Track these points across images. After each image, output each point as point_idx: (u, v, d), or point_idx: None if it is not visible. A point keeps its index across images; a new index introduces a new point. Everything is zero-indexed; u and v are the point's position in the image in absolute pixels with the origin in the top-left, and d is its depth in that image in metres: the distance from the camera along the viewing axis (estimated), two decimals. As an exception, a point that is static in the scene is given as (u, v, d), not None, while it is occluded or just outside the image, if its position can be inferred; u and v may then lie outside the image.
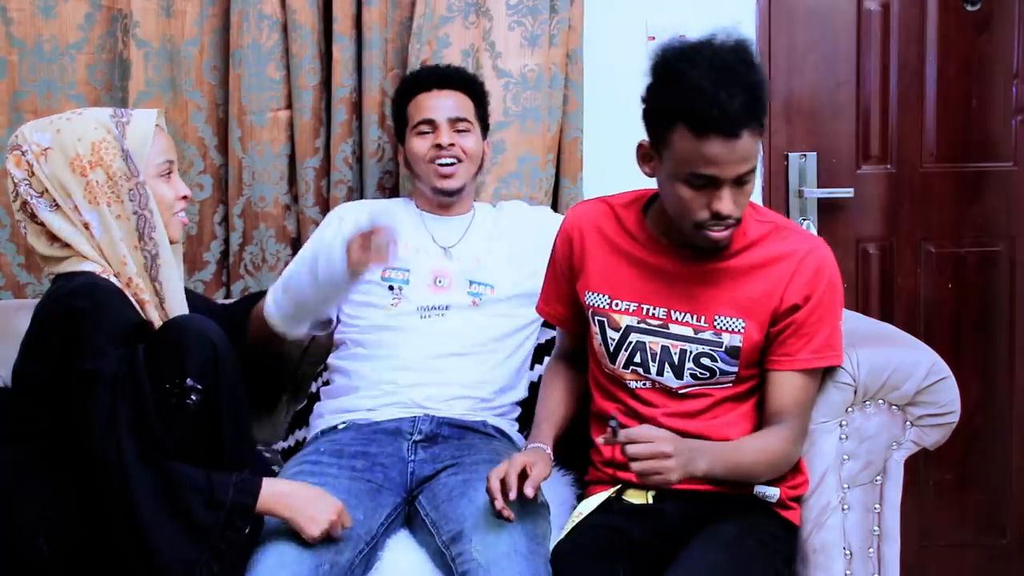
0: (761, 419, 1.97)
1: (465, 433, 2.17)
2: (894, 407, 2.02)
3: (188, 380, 1.77)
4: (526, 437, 2.19)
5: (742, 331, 1.91)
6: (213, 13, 2.61)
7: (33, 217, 1.93)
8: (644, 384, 1.99)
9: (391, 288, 2.29)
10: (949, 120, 2.90)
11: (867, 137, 2.90)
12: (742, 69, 1.77)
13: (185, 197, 2.01)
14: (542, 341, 2.43)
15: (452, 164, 2.33)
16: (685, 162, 1.79)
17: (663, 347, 1.95)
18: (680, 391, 1.97)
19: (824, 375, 1.99)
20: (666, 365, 1.96)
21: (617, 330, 1.99)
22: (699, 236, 1.86)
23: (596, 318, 2.01)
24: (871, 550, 2.02)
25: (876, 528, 2.03)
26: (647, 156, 1.89)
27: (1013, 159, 2.92)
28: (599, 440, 1.83)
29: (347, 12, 2.56)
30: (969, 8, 2.86)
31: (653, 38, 2.73)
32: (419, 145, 2.34)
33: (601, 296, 2.01)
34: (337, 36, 2.56)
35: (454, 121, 2.34)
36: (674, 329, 1.95)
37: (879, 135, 2.90)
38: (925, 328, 2.90)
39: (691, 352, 1.94)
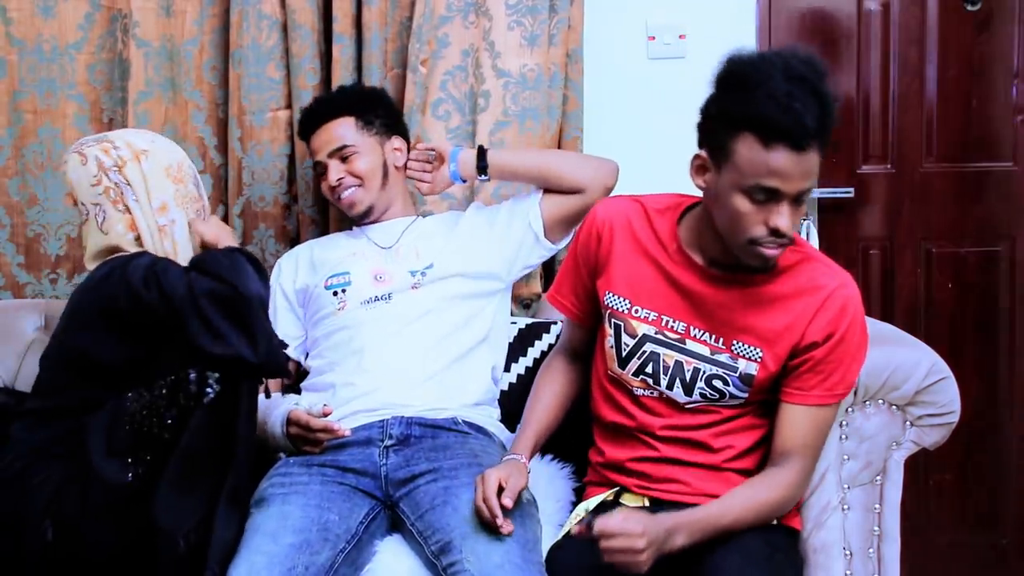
0: (766, 431, 1.96)
1: (438, 433, 2.14)
2: (894, 407, 2.02)
3: (208, 372, 1.84)
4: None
5: (759, 360, 1.89)
6: (213, 13, 2.61)
7: (116, 203, 2.04)
8: (651, 393, 1.97)
9: (335, 294, 2.30)
10: (949, 120, 2.90)
11: (867, 137, 2.90)
12: (816, 80, 1.73)
13: None
14: (523, 326, 2.43)
15: (351, 191, 2.34)
16: (749, 173, 1.75)
17: (677, 362, 1.93)
18: (686, 406, 1.95)
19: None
20: (677, 380, 1.94)
21: (633, 337, 1.96)
22: (751, 253, 1.82)
23: (613, 321, 1.98)
24: (871, 550, 2.02)
25: (876, 528, 2.03)
26: (703, 168, 1.84)
27: (1013, 159, 2.92)
28: (572, 530, 1.80)
29: (347, 12, 2.55)
30: (969, 8, 2.86)
31: (653, 38, 2.73)
32: (322, 184, 2.38)
33: (622, 300, 1.98)
34: (337, 36, 2.56)
35: (336, 152, 2.34)
36: (691, 346, 1.93)
37: (879, 135, 2.90)
38: (925, 328, 2.90)
39: (704, 372, 1.92)
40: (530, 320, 2.47)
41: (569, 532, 1.96)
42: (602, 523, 1.75)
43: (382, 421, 2.14)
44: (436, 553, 1.90)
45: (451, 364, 2.24)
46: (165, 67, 2.61)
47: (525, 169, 2.39)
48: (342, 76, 2.55)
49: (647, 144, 2.73)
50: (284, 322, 2.35)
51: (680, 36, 2.73)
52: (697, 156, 1.85)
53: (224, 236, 2.10)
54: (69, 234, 2.64)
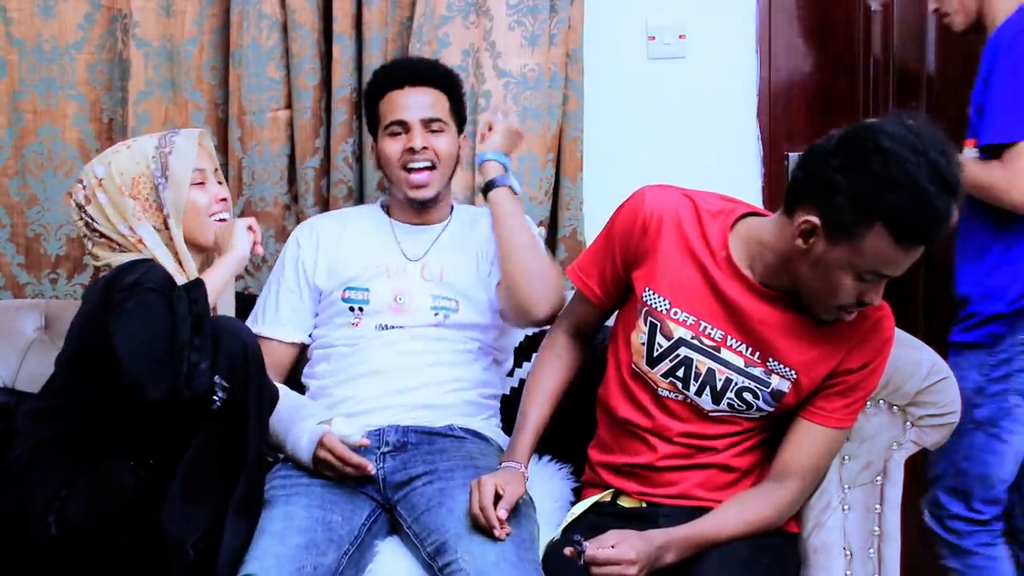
0: (769, 435, 1.96)
1: (434, 439, 2.12)
2: (894, 407, 2.02)
3: (216, 378, 1.81)
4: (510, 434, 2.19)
5: (793, 379, 1.89)
6: (213, 13, 2.61)
7: (94, 231, 2.05)
8: (676, 397, 1.95)
9: (351, 308, 2.22)
10: (949, 119, 2.89)
11: (867, 137, 2.90)
12: (952, 174, 1.70)
13: (224, 199, 2.10)
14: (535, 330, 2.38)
15: (425, 170, 2.21)
16: (871, 261, 1.73)
17: (709, 369, 1.91)
18: (710, 413, 1.94)
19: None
20: (707, 388, 1.92)
21: (668, 339, 1.92)
22: (830, 313, 1.82)
23: (649, 319, 1.93)
24: (871, 550, 2.02)
25: (876, 528, 2.03)
26: (810, 233, 1.76)
27: (1013, 159, 2.91)
28: (564, 551, 1.80)
29: (347, 12, 2.55)
30: (970, 8, 2.86)
31: (653, 38, 2.73)
32: (391, 147, 2.22)
33: (661, 299, 1.92)
34: (337, 36, 2.56)
35: (428, 122, 2.22)
36: (725, 355, 1.90)
37: (879, 135, 2.89)
38: (925, 328, 2.89)
39: (736, 383, 1.90)
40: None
41: (565, 530, 1.96)
42: (592, 552, 1.76)
43: (379, 429, 2.12)
44: (432, 554, 1.90)
45: (458, 391, 2.19)
46: (165, 67, 2.61)
47: (503, 244, 2.17)
48: (342, 76, 2.55)
49: (647, 144, 2.73)
50: (286, 301, 2.27)
51: (680, 36, 2.73)
52: (807, 221, 1.75)
53: (229, 244, 2.04)
54: (69, 234, 2.64)
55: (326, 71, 2.59)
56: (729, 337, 1.90)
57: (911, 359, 2.01)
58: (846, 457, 2.02)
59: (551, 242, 2.65)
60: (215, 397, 1.82)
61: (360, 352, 2.19)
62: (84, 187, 2.05)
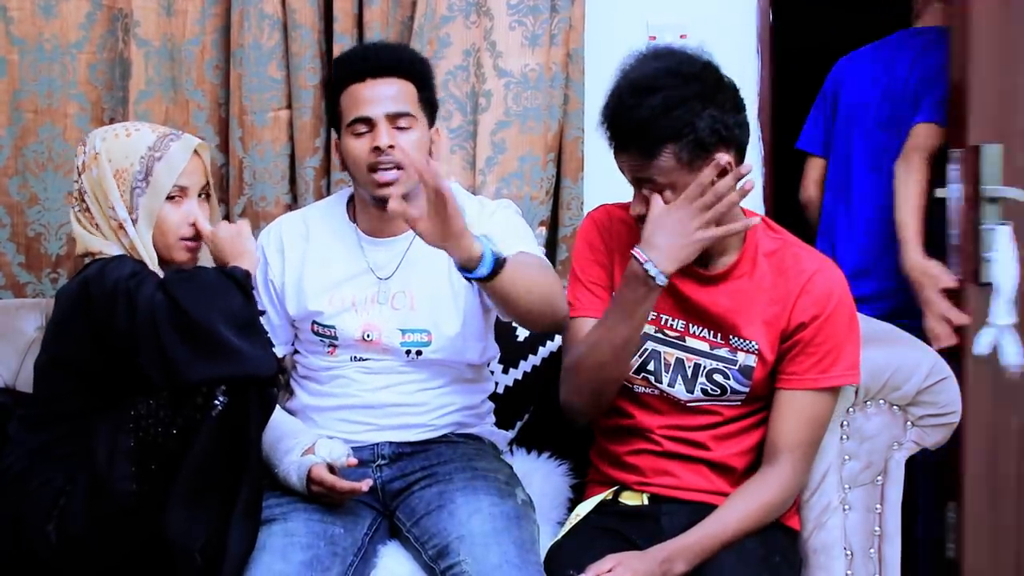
0: (763, 434, 1.96)
1: (429, 445, 2.10)
2: (895, 407, 2.02)
3: (216, 389, 1.78)
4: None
5: (756, 351, 1.91)
6: (214, 12, 2.61)
7: (82, 198, 1.99)
8: (651, 392, 1.97)
9: (322, 340, 2.12)
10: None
11: (869, 137, 2.90)
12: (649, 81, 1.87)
13: (193, 224, 1.96)
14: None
15: (392, 170, 2.02)
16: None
17: (678, 359, 1.94)
18: (688, 404, 1.96)
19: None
20: (678, 377, 1.94)
21: None
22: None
23: None
24: (872, 550, 2.02)
25: (877, 528, 2.03)
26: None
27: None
28: None
29: (348, 11, 2.56)
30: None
31: (654, 37, 2.73)
32: (356, 147, 2.04)
33: None
34: (338, 35, 2.56)
35: (394, 117, 2.03)
36: (690, 343, 1.94)
37: (880, 135, 2.90)
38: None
39: (704, 367, 1.93)
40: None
41: (568, 531, 1.97)
42: None
43: (373, 445, 2.10)
44: (433, 557, 1.90)
45: (447, 414, 2.15)
46: (166, 67, 2.61)
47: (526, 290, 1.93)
48: (343, 76, 2.55)
49: (648, 144, 2.73)
50: (264, 318, 2.11)
51: (680, 36, 2.73)
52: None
53: (234, 253, 1.93)
54: (69, 234, 2.64)
55: (327, 71, 2.59)
56: (691, 326, 1.93)
57: (911, 359, 2.01)
58: (846, 457, 2.02)
59: (551, 242, 2.65)
60: (216, 402, 1.79)
61: (339, 382, 2.12)
62: (85, 153, 1.99)
